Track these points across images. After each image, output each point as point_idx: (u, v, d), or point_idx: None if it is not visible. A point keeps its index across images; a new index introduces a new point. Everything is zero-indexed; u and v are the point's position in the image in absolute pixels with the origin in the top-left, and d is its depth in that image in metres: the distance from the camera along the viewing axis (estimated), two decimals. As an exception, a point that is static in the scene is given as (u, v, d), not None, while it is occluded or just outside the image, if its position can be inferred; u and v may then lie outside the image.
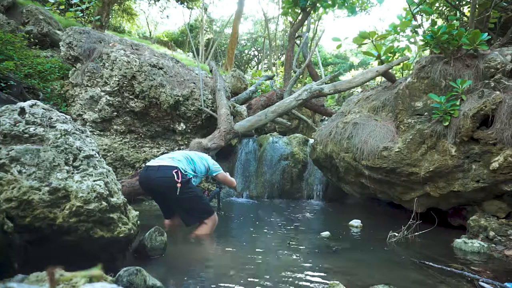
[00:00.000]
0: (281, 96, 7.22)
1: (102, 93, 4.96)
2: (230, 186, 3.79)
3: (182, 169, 3.01)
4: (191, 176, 3.09)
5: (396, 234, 3.28)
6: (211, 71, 7.35)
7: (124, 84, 4.97)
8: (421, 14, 5.58)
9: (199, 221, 3.07)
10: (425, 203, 3.99)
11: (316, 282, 2.07)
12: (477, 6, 4.58)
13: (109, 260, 1.83)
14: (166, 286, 1.73)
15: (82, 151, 1.86)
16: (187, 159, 3.20)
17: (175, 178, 2.89)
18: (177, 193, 2.87)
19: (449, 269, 2.39)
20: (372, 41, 4.90)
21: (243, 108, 6.41)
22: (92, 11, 10.22)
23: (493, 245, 3.17)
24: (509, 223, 3.37)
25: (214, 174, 3.47)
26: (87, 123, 4.95)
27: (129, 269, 1.59)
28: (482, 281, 2.13)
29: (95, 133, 4.93)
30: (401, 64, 5.40)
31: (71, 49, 5.18)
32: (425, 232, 3.34)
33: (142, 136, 5.30)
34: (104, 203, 1.73)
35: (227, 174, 3.65)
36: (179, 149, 5.39)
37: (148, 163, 3.16)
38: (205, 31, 22.82)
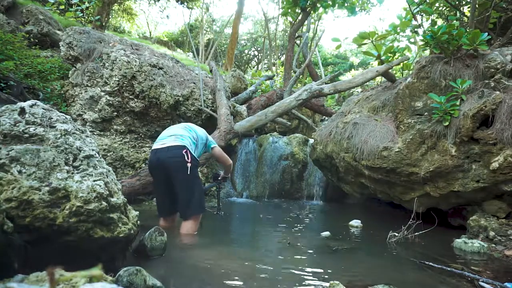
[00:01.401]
0: (281, 96, 7.22)
1: (102, 93, 4.96)
2: (225, 163, 3.65)
3: (189, 147, 3.07)
4: (195, 156, 3.14)
5: (396, 234, 3.27)
6: (211, 71, 7.35)
7: (124, 84, 4.97)
8: (421, 14, 5.59)
9: (193, 215, 3.05)
10: (425, 203, 3.99)
11: (316, 282, 2.07)
12: (477, 6, 4.57)
13: (109, 260, 1.83)
14: (166, 286, 1.73)
15: (82, 151, 1.86)
16: (185, 128, 3.26)
17: (185, 158, 2.95)
18: (188, 173, 2.92)
19: (449, 269, 2.39)
20: (372, 41, 4.90)
21: (243, 108, 6.41)
22: (92, 11, 10.23)
23: (493, 245, 3.17)
24: (509, 223, 3.37)
25: (211, 146, 3.49)
26: (87, 123, 4.95)
27: (129, 269, 1.59)
28: (482, 281, 2.13)
29: (95, 133, 4.93)
30: (401, 64, 5.40)
31: (71, 49, 5.18)
32: (425, 232, 3.34)
33: (142, 136, 5.30)
34: (104, 203, 1.73)
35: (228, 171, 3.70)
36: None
37: (154, 147, 3.15)
38: (205, 31, 22.83)
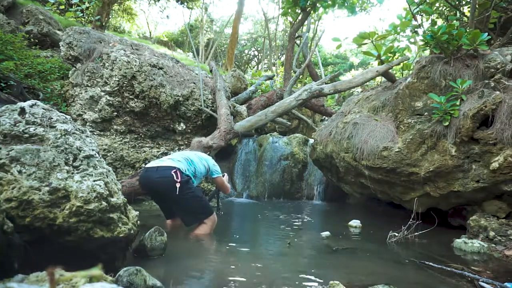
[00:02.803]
0: (281, 96, 7.22)
1: (102, 93, 4.96)
2: (224, 191, 3.76)
3: (182, 169, 3.02)
4: (190, 176, 3.09)
5: (396, 234, 3.27)
6: (211, 71, 7.35)
7: (124, 84, 4.97)
8: (421, 14, 5.58)
9: (199, 221, 3.07)
10: (425, 203, 3.99)
11: (316, 282, 2.07)
12: (477, 6, 4.57)
13: (109, 260, 1.83)
14: (166, 286, 1.73)
15: (82, 151, 1.86)
16: (186, 160, 3.20)
17: (174, 178, 2.89)
18: (177, 193, 2.87)
19: (449, 269, 2.39)
20: (372, 41, 4.90)
21: (243, 108, 6.41)
22: (92, 11, 10.22)
23: (493, 245, 3.17)
24: (509, 223, 3.37)
25: (213, 176, 3.47)
26: (87, 123, 4.95)
27: (129, 269, 1.59)
28: (482, 281, 2.13)
29: (95, 133, 4.93)
30: (401, 64, 5.39)
31: (71, 49, 5.18)
32: (425, 232, 3.34)
33: (142, 136, 5.30)
34: (104, 203, 1.73)
35: (226, 179, 3.64)
36: (179, 149, 5.40)
37: (147, 165, 3.16)
38: (205, 31, 22.83)
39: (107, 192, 1.79)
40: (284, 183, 5.95)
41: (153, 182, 2.96)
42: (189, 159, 3.23)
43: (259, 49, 24.84)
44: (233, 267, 2.31)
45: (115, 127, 5.09)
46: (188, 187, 2.97)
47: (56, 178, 1.65)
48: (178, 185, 2.87)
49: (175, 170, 2.95)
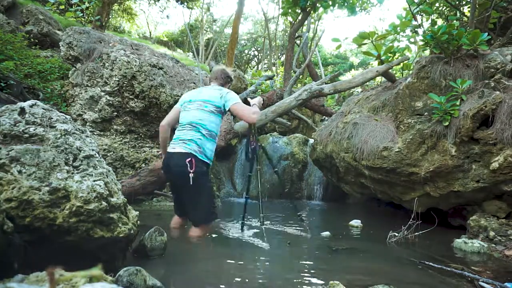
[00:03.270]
0: (281, 96, 7.21)
1: (102, 93, 4.96)
2: (248, 120, 3.03)
3: (196, 152, 2.87)
4: (206, 160, 2.96)
5: (396, 234, 3.27)
6: (211, 71, 7.34)
7: (124, 84, 4.97)
8: (421, 14, 5.58)
9: (208, 223, 2.96)
10: (425, 203, 3.99)
11: (316, 282, 2.07)
12: (477, 6, 4.57)
13: (109, 260, 1.83)
14: (166, 286, 1.72)
15: (82, 151, 1.86)
16: (195, 129, 2.95)
17: (188, 168, 2.79)
18: (191, 183, 2.76)
19: (449, 269, 2.39)
20: (372, 41, 4.89)
21: (243, 108, 6.40)
22: (92, 11, 10.22)
23: (493, 245, 3.17)
24: (509, 223, 3.37)
25: (230, 104, 2.98)
26: (87, 123, 4.95)
27: (129, 269, 1.59)
28: (482, 281, 2.13)
29: (95, 133, 4.93)
30: (401, 64, 5.39)
31: (71, 49, 5.18)
32: (425, 232, 3.34)
33: (142, 136, 5.30)
34: (104, 203, 1.73)
35: (258, 101, 3.27)
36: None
37: (168, 149, 3.02)
38: (205, 31, 22.84)
39: (107, 192, 1.79)
40: (284, 183, 5.95)
41: (171, 169, 2.90)
42: (197, 124, 2.97)
43: (259, 49, 24.84)
44: (233, 267, 2.31)
45: (115, 127, 5.09)
46: (205, 179, 2.90)
47: (56, 178, 1.65)
48: (191, 175, 2.77)
49: (190, 158, 2.82)
